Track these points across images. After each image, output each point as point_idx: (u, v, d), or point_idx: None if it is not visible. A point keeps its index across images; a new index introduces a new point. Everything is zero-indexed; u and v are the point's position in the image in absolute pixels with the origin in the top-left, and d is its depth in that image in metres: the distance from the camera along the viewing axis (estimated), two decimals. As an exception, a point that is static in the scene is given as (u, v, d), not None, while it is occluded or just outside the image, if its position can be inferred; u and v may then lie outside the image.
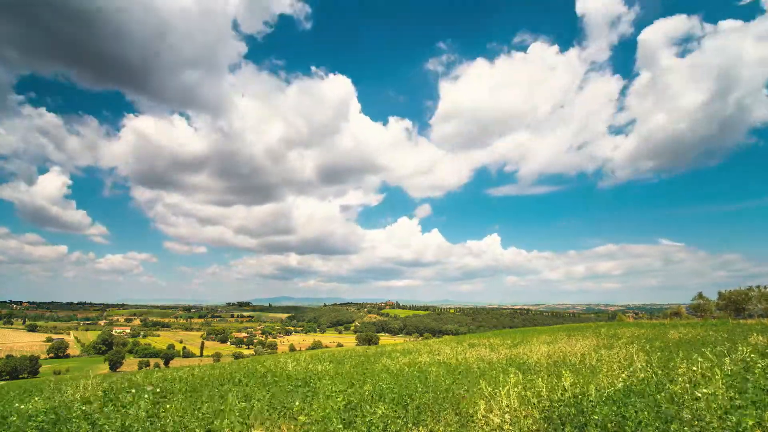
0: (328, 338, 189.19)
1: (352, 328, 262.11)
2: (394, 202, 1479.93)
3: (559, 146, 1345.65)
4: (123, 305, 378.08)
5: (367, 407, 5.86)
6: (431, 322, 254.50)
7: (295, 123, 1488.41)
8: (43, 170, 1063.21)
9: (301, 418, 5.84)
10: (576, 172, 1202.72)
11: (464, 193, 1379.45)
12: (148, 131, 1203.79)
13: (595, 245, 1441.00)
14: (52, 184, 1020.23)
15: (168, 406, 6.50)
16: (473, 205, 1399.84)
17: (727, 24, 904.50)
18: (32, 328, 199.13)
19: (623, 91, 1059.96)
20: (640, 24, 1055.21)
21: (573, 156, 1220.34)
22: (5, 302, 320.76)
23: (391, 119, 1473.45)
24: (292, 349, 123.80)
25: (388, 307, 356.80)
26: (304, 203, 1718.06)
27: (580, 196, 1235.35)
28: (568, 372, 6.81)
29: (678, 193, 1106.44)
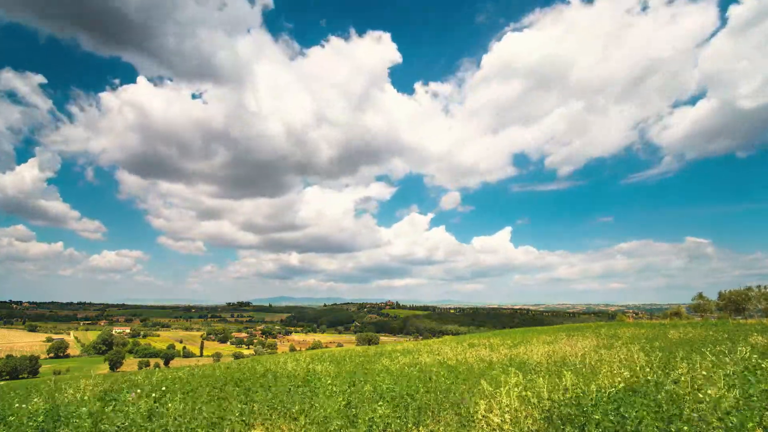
0: (328, 338, 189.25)
1: (352, 328, 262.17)
2: (415, 193, 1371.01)
3: (613, 124, 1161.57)
4: (123, 305, 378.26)
5: (368, 407, 5.85)
6: (431, 323, 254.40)
7: (318, 95, 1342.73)
8: (20, 152, 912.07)
9: (301, 418, 5.84)
10: (620, 158, 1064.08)
11: (496, 185, 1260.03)
12: (146, 106, 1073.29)
13: (618, 242, 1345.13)
14: (31, 171, 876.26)
15: (168, 406, 6.50)
16: (501, 199, 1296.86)
17: None
18: (32, 328, 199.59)
19: (714, 33, 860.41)
20: None
21: (624, 135, 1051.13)
22: (5, 302, 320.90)
23: (419, 87, 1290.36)
24: (292, 349, 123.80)
25: (388, 307, 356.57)
26: (316, 196, 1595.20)
27: (613, 190, 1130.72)
28: (568, 372, 6.81)
29: (719, 187, 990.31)
